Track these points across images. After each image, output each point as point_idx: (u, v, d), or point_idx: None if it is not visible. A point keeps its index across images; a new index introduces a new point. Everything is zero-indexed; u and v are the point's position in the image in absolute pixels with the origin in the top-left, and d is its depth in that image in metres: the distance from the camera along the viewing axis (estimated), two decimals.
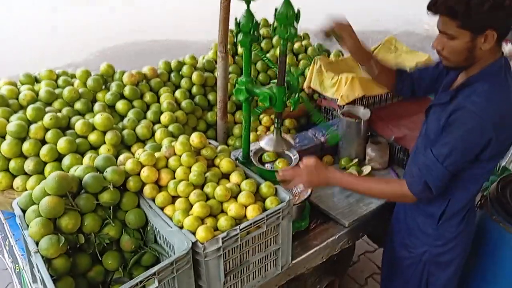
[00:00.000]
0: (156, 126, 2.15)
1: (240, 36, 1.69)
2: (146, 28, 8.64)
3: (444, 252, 1.77)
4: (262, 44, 2.86)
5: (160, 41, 8.03)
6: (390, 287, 2.06)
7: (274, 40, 2.87)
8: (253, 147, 2.06)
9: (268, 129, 2.46)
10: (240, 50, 2.77)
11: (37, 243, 1.38)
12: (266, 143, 1.82)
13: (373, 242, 2.87)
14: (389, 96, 2.53)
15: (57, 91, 2.17)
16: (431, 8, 1.44)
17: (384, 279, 2.12)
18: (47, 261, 1.36)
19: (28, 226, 1.43)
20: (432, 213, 1.72)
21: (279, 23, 1.54)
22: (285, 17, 1.52)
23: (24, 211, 1.50)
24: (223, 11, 2.02)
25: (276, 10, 1.54)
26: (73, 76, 2.34)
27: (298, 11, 1.55)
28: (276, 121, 1.79)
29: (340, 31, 1.71)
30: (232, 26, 1.84)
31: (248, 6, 1.65)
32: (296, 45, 2.90)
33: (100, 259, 1.50)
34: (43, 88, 2.14)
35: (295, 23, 1.54)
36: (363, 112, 2.28)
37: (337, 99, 2.38)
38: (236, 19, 1.69)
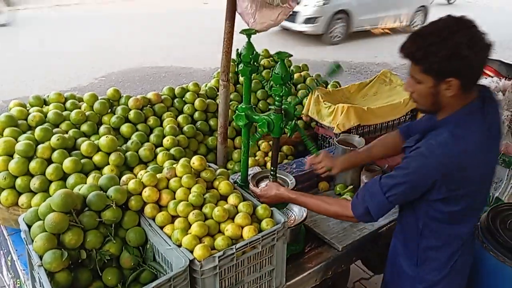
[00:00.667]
0: (158, 149, 2.23)
1: (240, 66, 1.80)
2: (151, 54, 8.85)
3: None
4: (263, 73, 2.97)
5: (165, 67, 8.22)
6: None
7: None
8: (251, 171, 2.15)
9: (266, 154, 2.54)
10: (241, 78, 2.89)
11: (40, 258, 1.44)
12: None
13: (368, 269, 2.90)
14: (384, 126, 2.62)
15: (64, 113, 2.27)
16: (400, 51, 1.48)
17: None
18: (50, 274, 1.42)
19: (33, 240, 1.49)
20: (410, 255, 1.74)
21: (274, 83, 1.68)
22: (280, 78, 1.66)
23: (29, 227, 1.56)
24: (226, 43, 2.14)
25: (272, 70, 1.66)
26: (80, 99, 2.45)
27: (292, 71, 1.67)
28: (271, 169, 1.89)
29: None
30: (234, 56, 1.96)
31: (249, 39, 1.77)
32: (296, 76, 3.02)
33: (100, 274, 1.55)
34: (51, 110, 2.24)
35: (288, 82, 1.67)
36: (358, 141, 2.37)
37: (333, 128, 2.48)
38: (237, 50, 1.80)
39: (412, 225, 1.68)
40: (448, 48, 1.36)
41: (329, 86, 2.99)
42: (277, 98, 1.72)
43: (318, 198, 1.82)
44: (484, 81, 4.04)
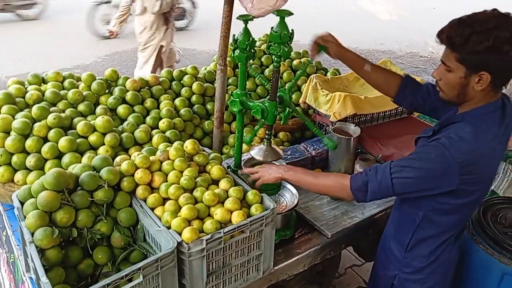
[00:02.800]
0: (154, 131, 2.25)
1: (236, 52, 1.79)
2: None
3: (413, 280, 1.76)
4: (263, 59, 2.96)
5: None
6: None
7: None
8: (245, 156, 2.16)
9: (262, 140, 2.55)
10: None
11: (32, 234, 1.47)
12: (256, 152, 1.91)
13: (359, 256, 2.94)
14: (381, 116, 2.62)
15: (62, 92, 2.28)
16: (439, 35, 1.47)
17: None
18: (41, 251, 1.45)
19: (25, 217, 1.52)
20: (401, 239, 1.75)
21: (273, 42, 1.66)
22: (279, 37, 1.64)
23: (22, 204, 1.59)
24: (224, 28, 2.13)
25: (272, 28, 1.65)
26: (78, 79, 2.45)
27: (292, 31, 1.66)
28: (266, 133, 1.88)
29: (323, 42, 1.80)
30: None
31: (245, 25, 1.76)
32: (295, 62, 3.00)
33: (91, 253, 1.59)
34: (49, 89, 2.25)
35: (288, 42, 1.65)
36: (354, 130, 2.37)
37: (330, 116, 2.48)
38: (234, 35, 1.80)
39: (411, 214, 1.67)
40: (490, 40, 1.34)
41: (328, 74, 2.98)
42: (276, 59, 1.70)
43: (319, 173, 1.78)
44: None
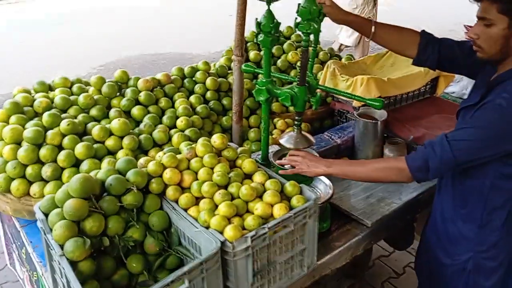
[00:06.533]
0: (172, 131, 2.13)
1: (260, 37, 1.68)
2: (146, 42, 8.70)
3: (488, 257, 1.65)
4: (285, 46, 2.85)
5: (164, 54, 8.08)
6: None
7: (285, 45, 2.86)
8: (271, 149, 2.05)
9: (282, 132, 2.44)
10: (251, 55, 2.77)
11: (61, 247, 1.35)
12: (286, 140, 1.80)
13: (389, 245, 2.83)
14: (404, 98, 2.52)
15: (72, 98, 2.16)
16: None
17: None
18: (72, 264, 1.32)
19: (51, 229, 1.40)
20: (471, 216, 1.62)
21: (302, 19, 1.55)
22: (308, 12, 1.53)
23: (46, 215, 1.47)
24: (239, 15, 2.01)
25: (299, 5, 1.54)
26: (86, 83, 2.34)
27: (322, 7, 1.55)
28: (296, 119, 1.78)
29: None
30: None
31: (268, 6, 1.65)
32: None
33: (125, 261, 1.47)
34: (58, 95, 2.13)
35: (318, 18, 1.55)
36: (380, 113, 2.27)
37: (352, 102, 2.38)
38: (256, 19, 1.68)
39: (476, 187, 1.57)
40: None
41: (343, 60, 2.88)
42: (305, 37, 1.60)
43: (363, 161, 1.68)
44: None
